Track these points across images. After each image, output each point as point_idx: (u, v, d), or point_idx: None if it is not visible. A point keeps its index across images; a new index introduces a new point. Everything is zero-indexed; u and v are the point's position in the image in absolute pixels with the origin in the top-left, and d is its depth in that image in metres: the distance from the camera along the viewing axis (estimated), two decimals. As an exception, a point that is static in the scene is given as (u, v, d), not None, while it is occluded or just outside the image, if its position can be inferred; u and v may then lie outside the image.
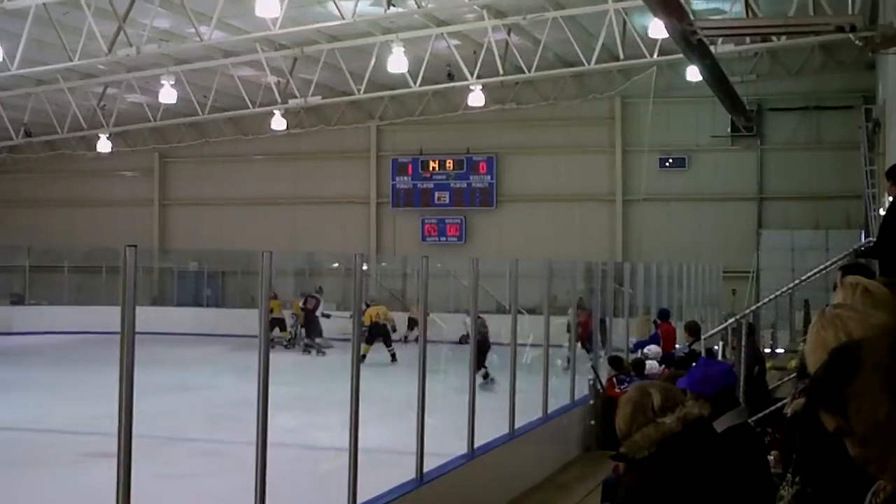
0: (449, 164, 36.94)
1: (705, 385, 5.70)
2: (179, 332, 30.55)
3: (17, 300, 38.70)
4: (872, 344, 2.16)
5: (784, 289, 16.92)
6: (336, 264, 36.39)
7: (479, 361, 21.33)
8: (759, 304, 17.53)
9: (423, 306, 11.11)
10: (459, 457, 11.45)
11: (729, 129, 33.28)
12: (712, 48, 22.49)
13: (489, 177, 36.54)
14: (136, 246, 6.53)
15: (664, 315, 20.39)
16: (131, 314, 6.43)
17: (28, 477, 13.46)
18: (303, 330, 31.42)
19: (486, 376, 21.23)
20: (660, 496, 4.42)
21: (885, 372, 2.02)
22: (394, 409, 15.70)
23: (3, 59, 25.07)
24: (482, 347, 21.68)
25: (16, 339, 32.91)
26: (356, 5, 23.43)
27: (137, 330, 6.47)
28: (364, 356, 27.01)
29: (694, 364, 8.93)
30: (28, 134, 36.67)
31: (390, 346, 27.17)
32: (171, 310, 35.81)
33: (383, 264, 38.11)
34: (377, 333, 26.82)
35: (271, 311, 30.09)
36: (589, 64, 28.43)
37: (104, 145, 37.29)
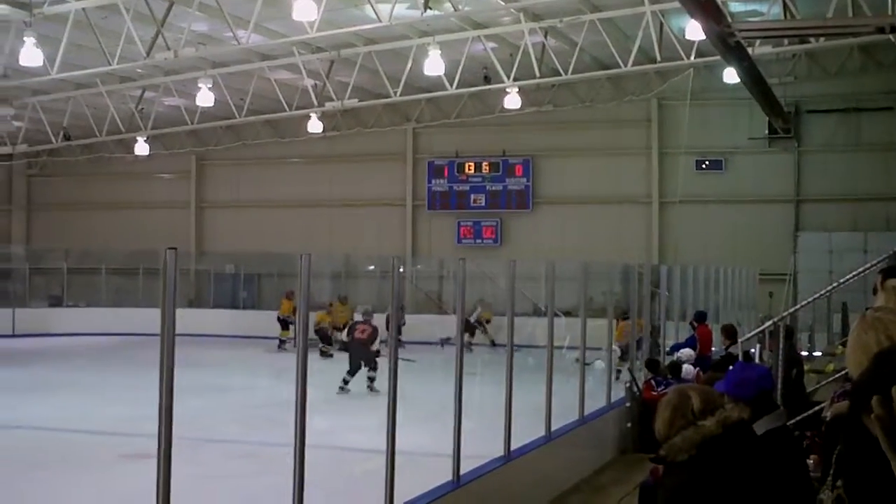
0: (485, 166, 36.91)
1: (742, 388, 5.67)
2: (216, 334, 30.66)
3: (56, 302, 39.04)
4: None
5: (822, 291, 16.82)
6: (372, 267, 36.49)
7: (369, 365, 21.51)
8: (796, 307, 17.42)
9: (460, 308, 11.11)
10: (496, 459, 11.44)
11: (766, 131, 33.08)
12: (750, 50, 22.38)
13: (525, 179, 36.49)
14: (176, 248, 6.56)
15: (701, 317, 20.28)
16: (171, 316, 6.46)
17: (67, 477, 13.56)
18: (338, 332, 31.54)
19: (371, 380, 21.42)
20: (699, 499, 4.40)
21: None
22: (429, 411, 15.72)
23: (44, 63, 25.26)
24: (367, 351, 21.88)
25: (54, 340, 33.18)
26: (393, 8, 23.46)
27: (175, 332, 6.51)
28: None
29: (731, 367, 8.88)
30: (67, 137, 36.98)
31: (329, 344, 29.41)
32: (207, 312, 35.91)
33: (419, 266, 38.14)
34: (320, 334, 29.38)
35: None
36: (625, 66, 28.37)
37: (142, 148, 37.55)
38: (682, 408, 4.56)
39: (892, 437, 2.14)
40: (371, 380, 21.36)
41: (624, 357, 20.47)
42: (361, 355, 21.76)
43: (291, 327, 30.58)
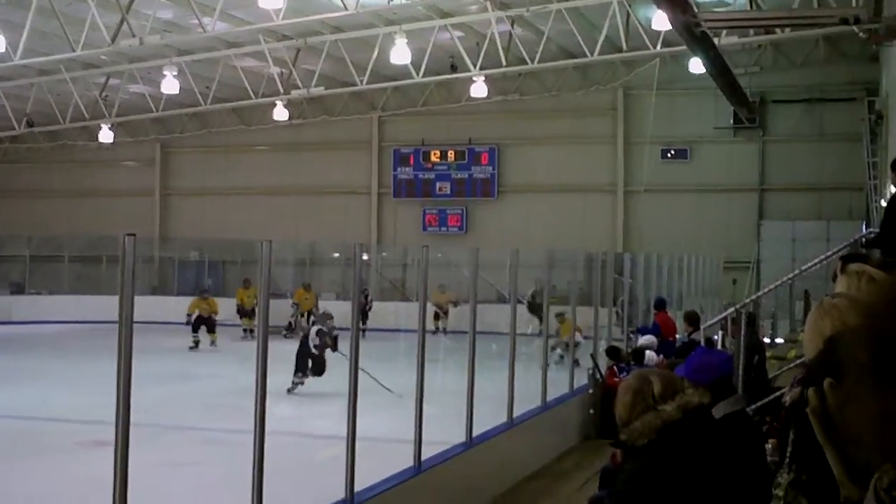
0: (451, 154, 36.90)
1: (702, 374, 5.68)
2: (180, 322, 30.52)
3: (18, 289, 38.70)
4: (848, 348, 2.14)
5: (784, 279, 16.92)
6: (337, 254, 36.42)
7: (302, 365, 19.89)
8: (759, 294, 17.53)
9: (422, 295, 11.10)
10: (457, 445, 11.46)
11: (731, 121, 33.26)
12: (716, 40, 22.46)
13: (491, 167, 36.51)
14: (134, 234, 6.51)
15: (660, 304, 20.28)
16: (130, 302, 6.42)
17: (26, 465, 13.46)
18: (302, 319, 31.46)
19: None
20: (659, 483, 4.41)
21: (868, 373, 2.01)
22: (392, 397, 15.73)
23: (6, 49, 25.08)
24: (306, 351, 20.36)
25: (16, 328, 32.93)
26: (359, -4, 23.43)
27: (138, 319, 6.47)
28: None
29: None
30: (30, 124, 36.68)
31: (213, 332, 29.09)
32: (171, 299, 35.72)
33: (384, 254, 38.11)
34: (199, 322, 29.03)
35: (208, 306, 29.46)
36: (592, 55, 28.43)
37: (106, 135, 37.34)
38: (642, 392, 4.57)
39: (826, 430, 2.15)
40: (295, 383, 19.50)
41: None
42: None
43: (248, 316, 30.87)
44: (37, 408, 17.84)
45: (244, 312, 31.30)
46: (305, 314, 31.61)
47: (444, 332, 29.40)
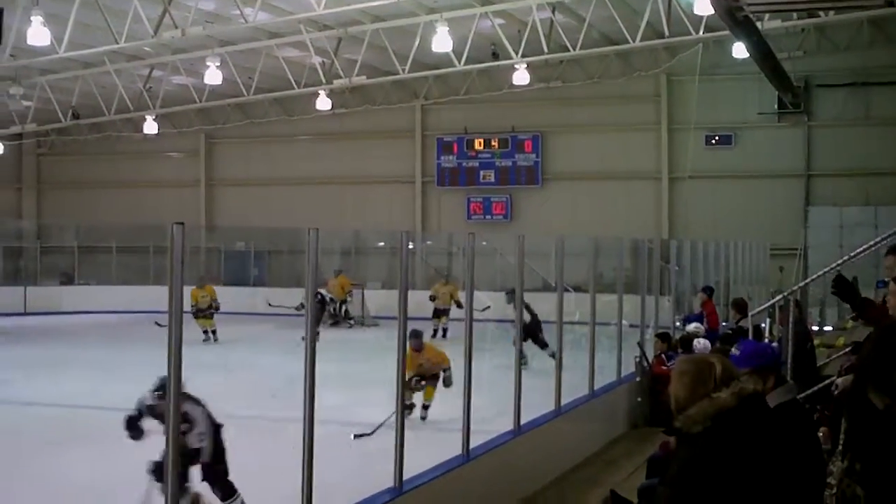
0: (494, 142, 36.89)
1: (755, 361, 5.67)
2: (226, 311, 30.71)
3: (67, 280, 39.13)
4: None
5: (832, 265, 16.76)
6: (382, 243, 36.51)
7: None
8: (806, 281, 17.38)
9: (469, 283, 11.08)
10: (505, 433, 11.45)
11: (776, 106, 33.02)
12: (759, 24, 22.26)
13: (534, 155, 36.46)
14: (183, 223, 6.52)
15: (710, 292, 20.15)
16: (179, 291, 6.44)
17: (76, 454, 13.60)
18: (344, 308, 31.59)
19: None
20: (713, 471, 4.40)
21: None
22: (440, 386, 15.71)
23: (51, 42, 25.24)
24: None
25: (66, 318, 33.25)
26: (400, -16, 23.41)
27: (186, 309, 6.50)
28: None
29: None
30: (76, 116, 36.94)
31: None
32: (218, 289, 35.92)
33: (429, 243, 38.13)
34: None
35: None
36: (634, 41, 28.25)
37: (150, 127, 37.61)
38: (702, 376, 4.56)
39: None
40: None
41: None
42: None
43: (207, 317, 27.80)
44: (87, 396, 17.99)
45: (202, 313, 27.64)
46: (339, 303, 31.68)
47: (444, 333, 26.81)
